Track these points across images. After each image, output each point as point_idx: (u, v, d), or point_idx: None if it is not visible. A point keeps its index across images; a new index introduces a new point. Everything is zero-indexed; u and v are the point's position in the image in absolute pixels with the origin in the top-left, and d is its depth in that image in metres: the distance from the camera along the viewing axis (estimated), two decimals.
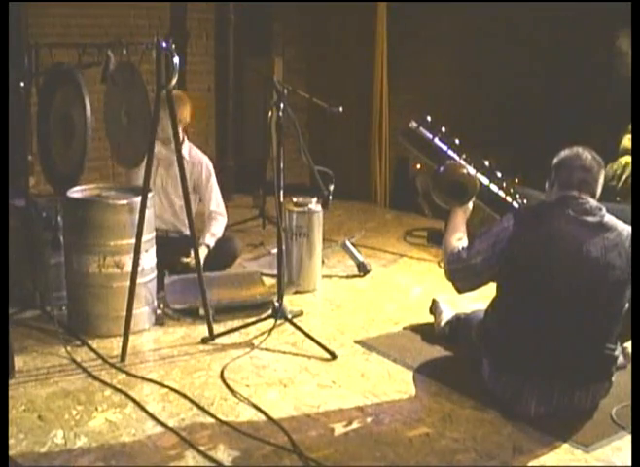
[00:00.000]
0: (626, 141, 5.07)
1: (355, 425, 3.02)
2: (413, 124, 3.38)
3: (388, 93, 6.77)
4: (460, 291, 3.25)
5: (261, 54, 7.16)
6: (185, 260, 4.41)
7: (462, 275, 3.16)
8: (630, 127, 5.01)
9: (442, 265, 5.14)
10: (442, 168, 3.31)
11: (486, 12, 6.12)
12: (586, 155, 3.06)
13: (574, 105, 5.69)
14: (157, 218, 4.35)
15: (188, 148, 4.65)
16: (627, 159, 4.96)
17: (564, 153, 3.12)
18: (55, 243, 4.00)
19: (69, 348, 3.62)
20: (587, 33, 5.66)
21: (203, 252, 4.35)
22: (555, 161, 3.13)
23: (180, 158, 3.75)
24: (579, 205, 3.01)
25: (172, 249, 4.44)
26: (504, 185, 3.37)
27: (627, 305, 3.00)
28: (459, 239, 3.25)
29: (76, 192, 3.92)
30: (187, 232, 4.56)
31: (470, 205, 3.40)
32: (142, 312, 3.87)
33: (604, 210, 3.04)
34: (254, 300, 4.26)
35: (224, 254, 4.75)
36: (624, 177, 4.96)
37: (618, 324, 3.05)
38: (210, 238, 4.59)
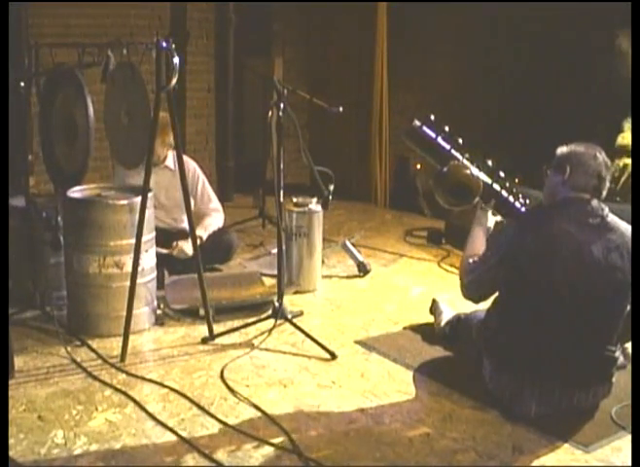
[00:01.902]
0: (620, 139, 5.06)
1: (355, 425, 3.02)
2: (417, 122, 3.38)
3: (388, 93, 6.76)
4: (477, 301, 3.27)
5: (261, 54, 7.16)
6: (160, 250, 4.37)
7: (475, 286, 3.17)
8: (624, 126, 5.00)
9: (441, 265, 5.19)
10: (445, 169, 3.30)
11: (486, 11, 6.11)
12: (601, 159, 3.02)
13: (574, 105, 5.68)
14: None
15: (172, 158, 4.66)
16: (626, 160, 4.95)
17: (580, 149, 3.05)
18: (55, 243, 4.00)
19: (69, 348, 3.62)
20: (587, 33, 5.65)
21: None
22: (568, 154, 3.06)
23: (180, 157, 3.75)
24: (582, 207, 3.00)
25: (166, 243, 4.46)
26: (507, 185, 3.37)
27: (629, 308, 3.00)
28: (474, 255, 3.25)
29: (76, 192, 3.93)
30: (181, 225, 4.62)
31: (490, 222, 3.39)
32: (142, 312, 3.87)
33: (607, 211, 3.03)
34: (254, 300, 4.26)
35: (220, 247, 4.78)
36: (623, 179, 4.94)
37: (619, 326, 3.05)
38: (202, 231, 4.61)
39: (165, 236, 4.44)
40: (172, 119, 3.69)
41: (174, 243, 4.52)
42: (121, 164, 4.25)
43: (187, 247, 4.41)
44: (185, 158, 4.75)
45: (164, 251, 4.45)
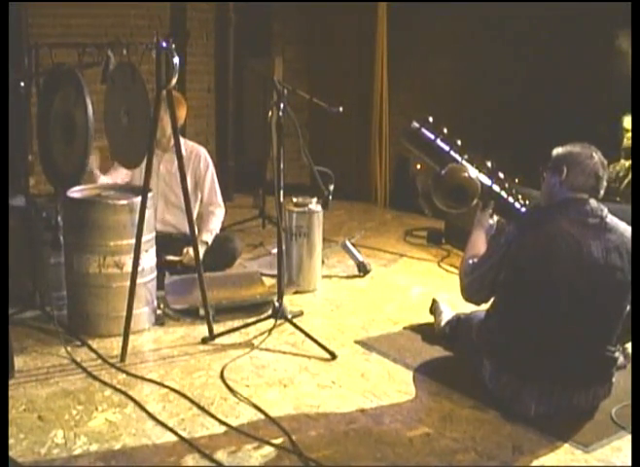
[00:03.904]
0: (626, 141, 5.04)
1: (355, 425, 3.02)
2: (415, 124, 3.37)
3: (388, 93, 6.77)
4: (477, 303, 3.28)
5: (261, 54, 7.17)
6: (171, 258, 4.40)
7: (476, 287, 3.17)
8: (624, 122, 4.99)
9: (441, 265, 5.19)
10: (443, 171, 3.30)
11: (486, 11, 6.11)
12: (597, 158, 3.03)
13: (574, 105, 5.68)
14: (159, 221, 4.37)
15: (182, 143, 4.63)
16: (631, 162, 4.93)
17: (576, 150, 3.05)
18: (55, 243, 4.00)
19: (69, 348, 3.62)
20: (587, 33, 5.66)
21: (201, 249, 4.35)
22: (564, 155, 3.06)
23: (180, 158, 3.75)
24: (581, 207, 3.00)
25: (175, 249, 4.45)
26: (506, 185, 3.36)
27: (628, 308, 3.00)
28: (475, 256, 3.25)
29: (76, 192, 3.93)
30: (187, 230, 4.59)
31: (492, 223, 3.38)
32: (142, 312, 3.87)
33: (606, 211, 3.03)
34: (254, 300, 4.26)
35: (224, 254, 4.76)
36: (627, 180, 4.93)
37: (618, 326, 3.05)
38: (208, 236, 4.58)
39: (177, 245, 4.44)
40: (172, 119, 3.69)
41: (184, 250, 4.47)
42: (121, 164, 4.25)
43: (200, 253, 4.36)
44: (196, 146, 4.74)
45: (175, 258, 4.45)
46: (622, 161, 4.98)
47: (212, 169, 4.75)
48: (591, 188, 3.02)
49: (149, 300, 3.93)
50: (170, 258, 4.41)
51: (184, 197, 3.77)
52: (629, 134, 4.94)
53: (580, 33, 5.70)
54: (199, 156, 4.69)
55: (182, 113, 4.55)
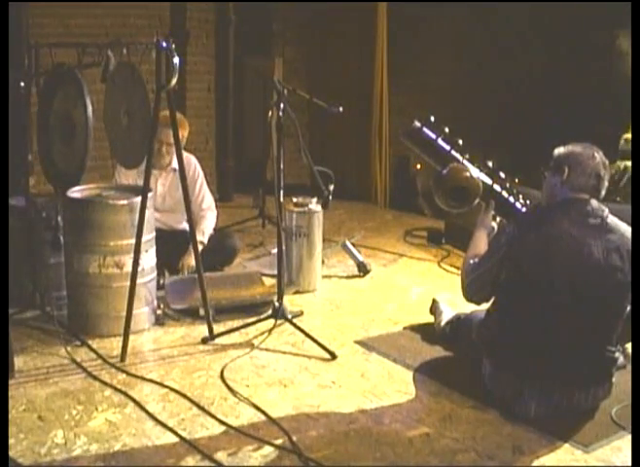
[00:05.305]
0: (623, 143, 5.04)
1: (355, 425, 3.02)
2: (417, 123, 3.37)
3: (388, 93, 6.77)
4: (478, 303, 3.28)
5: (261, 54, 7.17)
6: (175, 277, 4.47)
7: (477, 287, 3.18)
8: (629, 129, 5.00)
9: (441, 265, 5.19)
10: (444, 171, 3.29)
11: (486, 11, 6.12)
12: (599, 158, 3.02)
13: (574, 105, 5.69)
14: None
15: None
16: (627, 163, 4.94)
17: (577, 150, 3.05)
18: (55, 243, 4.00)
19: (69, 348, 3.62)
20: (587, 33, 5.66)
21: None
22: (566, 155, 3.06)
23: (181, 161, 3.75)
24: (582, 207, 3.00)
25: (171, 243, 4.46)
26: (507, 185, 3.36)
27: (628, 308, 3.00)
28: (476, 256, 3.25)
29: (76, 192, 3.93)
30: (179, 226, 4.68)
31: (494, 224, 3.39)
32: (142, 312, 3.87)
33: (606, 211, 3.03)
34: (254, 300, 4.26)
35: (223, 251, 4.80)
36: (623, 183, 4.92)
37: (618, 326, 3.05)
38: (201, 236, 4.60)
39: (164, 238, 4.44)
40: (172, 119, 3.70)
41: (180, 264, 4.52)
42: (121, 165, 4.26)
43: (192, 261, 4.37)
44: (185, 153, 4.79)
45: (176, 277, 4.48)
46: (618, 162, 4.98)
47: (202, 176, 4.87)
48: (593, 188, 3.02)
49: (149, 300, 3.93)
50: (172, 278, 4.45)
51: (184, 200, 3.78)
52: (627, 136, 4.94)
53: (580, 33, 5.70)
54: (190, 165, 4.78)
55: (184, 133, 4.56)
